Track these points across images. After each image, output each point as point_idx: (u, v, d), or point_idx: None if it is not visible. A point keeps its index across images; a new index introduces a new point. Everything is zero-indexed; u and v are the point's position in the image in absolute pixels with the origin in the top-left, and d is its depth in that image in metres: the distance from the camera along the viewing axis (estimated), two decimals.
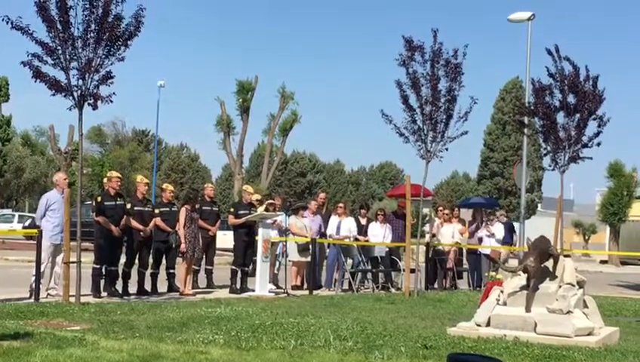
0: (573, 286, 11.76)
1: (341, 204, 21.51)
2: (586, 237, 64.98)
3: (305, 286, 19.49)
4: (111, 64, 13.49)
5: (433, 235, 21.68)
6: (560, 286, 11.64)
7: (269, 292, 17.69)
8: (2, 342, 8.91)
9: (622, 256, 47.19)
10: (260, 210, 18.49)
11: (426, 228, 21.52)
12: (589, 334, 11.26)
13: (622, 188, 47.19)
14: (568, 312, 11.24)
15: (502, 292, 12.03)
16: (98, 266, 15.78)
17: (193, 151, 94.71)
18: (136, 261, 16.58)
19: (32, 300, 14.11)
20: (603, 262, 47.98)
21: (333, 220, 20.52)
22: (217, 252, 20.00)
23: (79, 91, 13.38)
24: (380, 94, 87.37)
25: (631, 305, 18.05)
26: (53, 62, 13.23)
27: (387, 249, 20.87)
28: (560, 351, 9.96)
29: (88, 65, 13.21)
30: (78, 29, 13.14)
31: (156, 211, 17.00)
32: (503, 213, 23.87)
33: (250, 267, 18.71)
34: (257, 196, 20.11)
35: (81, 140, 14.80)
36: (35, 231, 15.10)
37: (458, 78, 17.87)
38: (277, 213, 19.16)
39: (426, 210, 22.40)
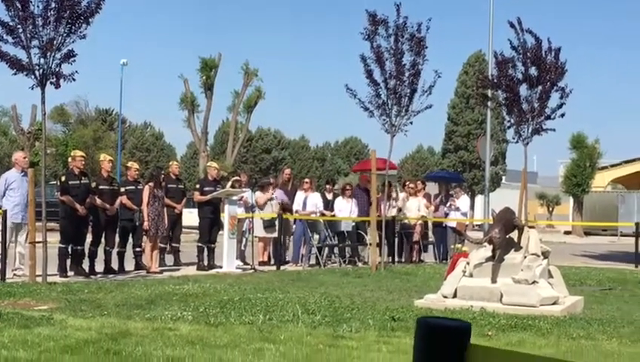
0: (538, 256, 11.90)
1: (307, 180, 21.55)
2: (550, 209, 65.51)
3: (272, 261, 19.54)
4: (73, 42, 13.36)
5: (399, 209, 21.76)
6: (525, 257, 11.78)
7: (236, 268, 17.73)
8: None
9: (585, 226, 47.68)
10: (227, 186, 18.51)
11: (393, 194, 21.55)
12: (554, 303, 11.42)
13: (585, 159, 47.58)
14: (533, 282, 11.38)
15: (468, 264, 12.15)
16: (64, 246, 15.72)
17: (157, 130, 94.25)
18: (103, 240, 16.53)
19: None
20: (567, 232, 48.42)
21: (300, 196, 20.54)
22: (184, 230, 19.96)
23: (41, 70, 13.25)
24: (345, 69, 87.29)
25: (595, 275, 18.27)
26: (13, 41, 13.08)
27: (353, 223, 20.95)
28: (526, 320, 10.09)
29: (50, 43, 13.07)
30: (37, 7, 13.00)
31: (122, 190, 16.96)
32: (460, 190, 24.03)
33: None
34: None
35: (44, 119, 14.70)
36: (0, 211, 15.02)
37: (422, 51, 17.94)
38: (243, 189, 19.15)
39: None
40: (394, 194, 21.39)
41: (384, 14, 17.80)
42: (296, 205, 20.40)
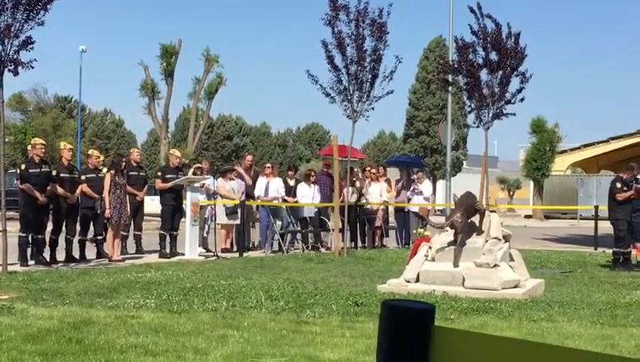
0: (500, 240, 12.00)
1: (269, 165, 21.53)
2: (511, 193, 65.96)
3: (234, 248, 19.52)
4: (30, 29, 13.20)
5: (361, 194, 21.79)
6: (486, 241, 11.87)
7: (199, 255, 17.67)
8: None
9: (545, 210, 48.13)
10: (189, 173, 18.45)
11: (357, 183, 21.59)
12: (515, 286, 11.52)
13: (545, 143, 47.89)
14: (495, 266, 11.47)
15: (430, 248, 12.21)
16: (24, 235, 15.55)
17: (118, 117, 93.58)
18: (64, 228, 16.40)
19: None
20: (527, 216, 48.82)
21: (262, 181, 20.50)
22: (145, 217, 19.87)
23: None
24: (306, 55, 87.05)
25: (555, 258, 18.47)
26: None
27: (316, 209, 20.96)
28: (488, 303, 10.18)
29: (7, 30, 12.90)
30: None
31: (82, 177, 16.84)
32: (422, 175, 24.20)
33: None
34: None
35: (2, 107, 14.50)
36: None
37: (383, 37, 17.92)
38: (205, 176, 19.09)
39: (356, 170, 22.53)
40: (358, 184, 21.40)
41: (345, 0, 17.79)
42: (258, 191, 20.36)
